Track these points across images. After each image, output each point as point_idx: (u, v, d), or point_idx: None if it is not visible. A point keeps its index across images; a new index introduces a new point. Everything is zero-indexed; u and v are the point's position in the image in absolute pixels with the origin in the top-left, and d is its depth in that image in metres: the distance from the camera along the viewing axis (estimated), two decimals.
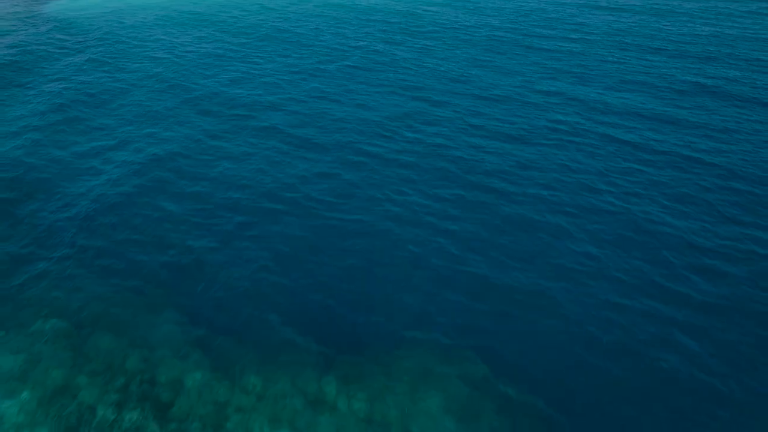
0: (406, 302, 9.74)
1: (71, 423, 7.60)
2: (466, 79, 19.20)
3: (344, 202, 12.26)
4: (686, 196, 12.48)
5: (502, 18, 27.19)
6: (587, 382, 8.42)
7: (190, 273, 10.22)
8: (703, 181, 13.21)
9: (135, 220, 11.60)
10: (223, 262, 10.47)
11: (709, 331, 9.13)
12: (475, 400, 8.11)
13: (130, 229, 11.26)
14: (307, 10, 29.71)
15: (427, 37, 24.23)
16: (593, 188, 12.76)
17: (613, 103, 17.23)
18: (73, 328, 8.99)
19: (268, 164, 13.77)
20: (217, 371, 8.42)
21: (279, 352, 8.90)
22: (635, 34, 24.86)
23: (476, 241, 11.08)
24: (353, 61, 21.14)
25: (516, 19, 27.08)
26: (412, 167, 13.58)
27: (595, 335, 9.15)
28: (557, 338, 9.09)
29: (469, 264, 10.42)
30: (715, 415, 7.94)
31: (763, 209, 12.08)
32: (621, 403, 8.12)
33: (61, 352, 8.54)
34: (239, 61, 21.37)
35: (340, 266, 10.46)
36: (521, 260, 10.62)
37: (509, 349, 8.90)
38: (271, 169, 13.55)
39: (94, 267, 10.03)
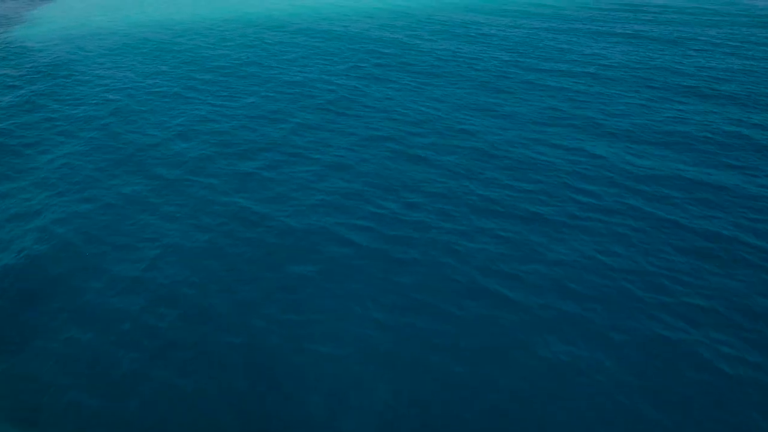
0: None
1: None
2: (470, 128, 16.16)
3: (309, 321, 9.10)
4: None
5: (509, 49, 24.27)
6: None
7: None
8: None
9: (19, 356, 8.43)
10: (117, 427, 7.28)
11: None
12: None
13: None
14: (292, 41, 26.80)
15: (423, 72, 21.26)
16: (640, 299, 9.62)
17: (646, 164, 14.17)
18: None
19: (214, 257, 10.62)
20: None
21: None
22: (659, 68, 21.94)
23: (488, 406, 7.91)
24: (338, 103, 18.11)
25: (524, 50, 24.16)
26: (403, 263, 10.44)
27: None
28: None
29: None
30: None
31: None
32: None
33: None
34: (205, 102, 18.33)
35: None
36: None
37: None
38: (215, 264, 10.41)
39: None
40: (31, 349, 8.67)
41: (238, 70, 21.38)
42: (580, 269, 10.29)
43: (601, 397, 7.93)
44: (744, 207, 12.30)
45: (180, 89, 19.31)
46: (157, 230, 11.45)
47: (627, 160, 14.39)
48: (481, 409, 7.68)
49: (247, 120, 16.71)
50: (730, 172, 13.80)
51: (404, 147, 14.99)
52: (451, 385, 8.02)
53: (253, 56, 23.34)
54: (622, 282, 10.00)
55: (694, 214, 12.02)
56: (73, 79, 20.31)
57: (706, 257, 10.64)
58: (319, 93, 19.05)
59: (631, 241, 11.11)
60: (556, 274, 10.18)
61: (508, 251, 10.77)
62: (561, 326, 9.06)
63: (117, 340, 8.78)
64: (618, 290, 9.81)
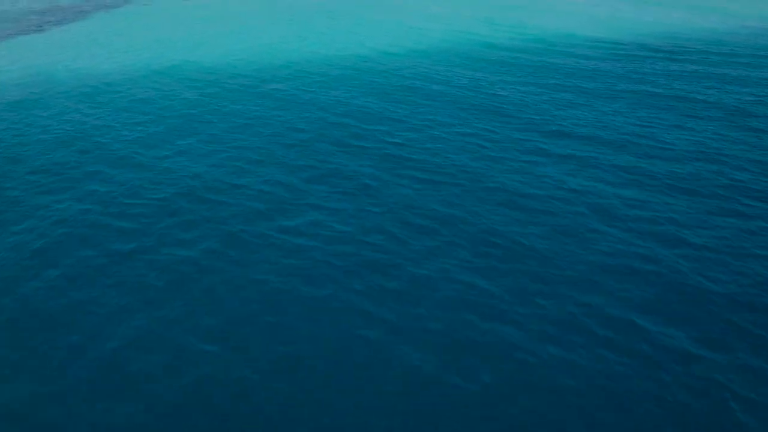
0: None
1: None
2: (487, 287, 10.25)
3: None
4: None
5: (530, 123, 18.44)
6: None
7: None
8: None
9: None
10: None
11: None
12: None
13: None
14: (244, 107, 21.06)
15: (416, 161, 15.42)
16: None
17: None
18: None
19: None
20: None
21: None
22: (734, 157, 16.20)
23: None
24: (297, 232, 12.24)
25: (549, 124, 18.35)
26: None
27: None
28: None
29: None
30: None
31: None
32: None
33: None
34: (82, 218, 12.44)
35: None
36: None
37: None
38: None
39: None
40: None
41: (152, 159, 15.50)
42: None
43: None
44: None
45: (51, 191, 13.40)
46: None
47: (752, 368, 8.46)
48: None
49: (131, 294, 10.76)
50: None
51: (387, 322, 9.05)
52: None
53: (184, 131, 17.51)
54: None
55: None
56: None
57: None
58: (264, 208, 13.13)
59: None
60: None
61: None
62: None
63: None
64: None
